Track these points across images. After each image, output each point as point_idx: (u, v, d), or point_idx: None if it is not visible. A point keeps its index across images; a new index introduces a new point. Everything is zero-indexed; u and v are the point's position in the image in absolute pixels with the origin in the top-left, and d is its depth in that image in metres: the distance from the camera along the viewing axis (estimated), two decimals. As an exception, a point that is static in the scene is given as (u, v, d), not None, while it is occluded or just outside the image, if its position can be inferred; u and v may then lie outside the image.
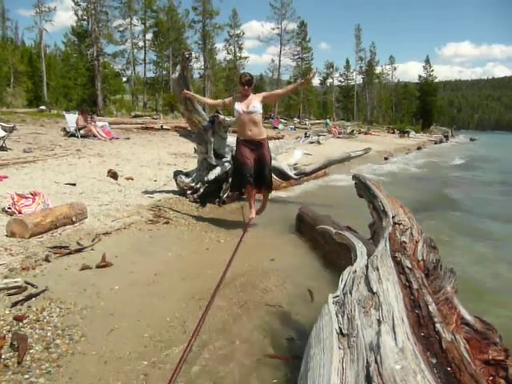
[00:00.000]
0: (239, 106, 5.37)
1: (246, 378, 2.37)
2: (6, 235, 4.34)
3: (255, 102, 5.35)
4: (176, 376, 2.07)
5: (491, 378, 1.85)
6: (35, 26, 35.45)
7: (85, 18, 34.10)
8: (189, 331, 2.77)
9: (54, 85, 36.73)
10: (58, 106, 31.77)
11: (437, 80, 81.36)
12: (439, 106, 79.58)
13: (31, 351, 2.45)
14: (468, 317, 2.45)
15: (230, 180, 6.43)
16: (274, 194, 7.27)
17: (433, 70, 75.58)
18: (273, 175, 7.57)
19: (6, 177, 7.00)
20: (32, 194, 5.26)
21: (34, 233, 4.42)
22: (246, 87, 5.37)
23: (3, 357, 2.38)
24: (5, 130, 10.60)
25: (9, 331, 2.64)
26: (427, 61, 76.08)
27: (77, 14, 34.00)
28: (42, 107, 27.95)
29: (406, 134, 44.90)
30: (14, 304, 2.97)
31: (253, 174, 5.43)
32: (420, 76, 76.44)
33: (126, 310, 3.08)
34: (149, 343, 2.63)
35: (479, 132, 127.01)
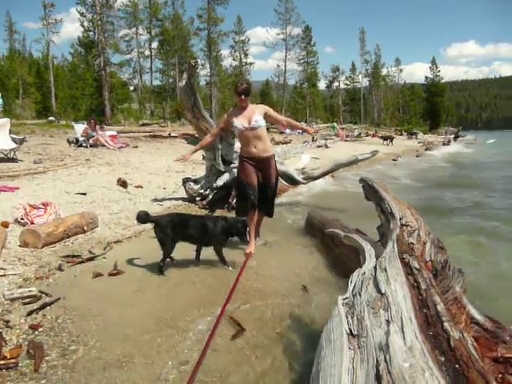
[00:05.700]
0: (239, 122, 4.67)
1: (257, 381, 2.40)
2: (20, 245, 4.42)
3: (257, 116, 4.66)
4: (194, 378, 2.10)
5: (500, 376, 1.86)
6: (42, 38, 36.19)
7: (91, 28, 34.61)
8: (202, 337, 2.80)
9: (62, 95, 37.26)
10: (67, 116, 32.12)
11: (443, 81, 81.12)
12: (446, 106, 79.22)
13: (47, 358, 2.51)
14: (478, 316, 2.46)
15: (235, 205, 5.42)
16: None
17: (439, 71, 75.49)
18: (282, 180, 7.64)
19: (17, 188, 7.11)
20: (44, 205, 5.34)
21: (47, 242, 4.50)
22: (243, 97, 4.64)
23: (20, 364, 2.43)
24: (15, 142, 10.73)
25: (25, 340, 2.70)
26: (433, 62, 76.00)
27: (83, 25, 34.58)
28: (51, 118, 28.25)
29: (413, 136, 44.69)
30: (30, 313, 3.04)
31: (257, 196, 4.78)
32: (426, 77, 76.34)
33: (139, 316, 3.12)
34: (162, 349, 2.67)
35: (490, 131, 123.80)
